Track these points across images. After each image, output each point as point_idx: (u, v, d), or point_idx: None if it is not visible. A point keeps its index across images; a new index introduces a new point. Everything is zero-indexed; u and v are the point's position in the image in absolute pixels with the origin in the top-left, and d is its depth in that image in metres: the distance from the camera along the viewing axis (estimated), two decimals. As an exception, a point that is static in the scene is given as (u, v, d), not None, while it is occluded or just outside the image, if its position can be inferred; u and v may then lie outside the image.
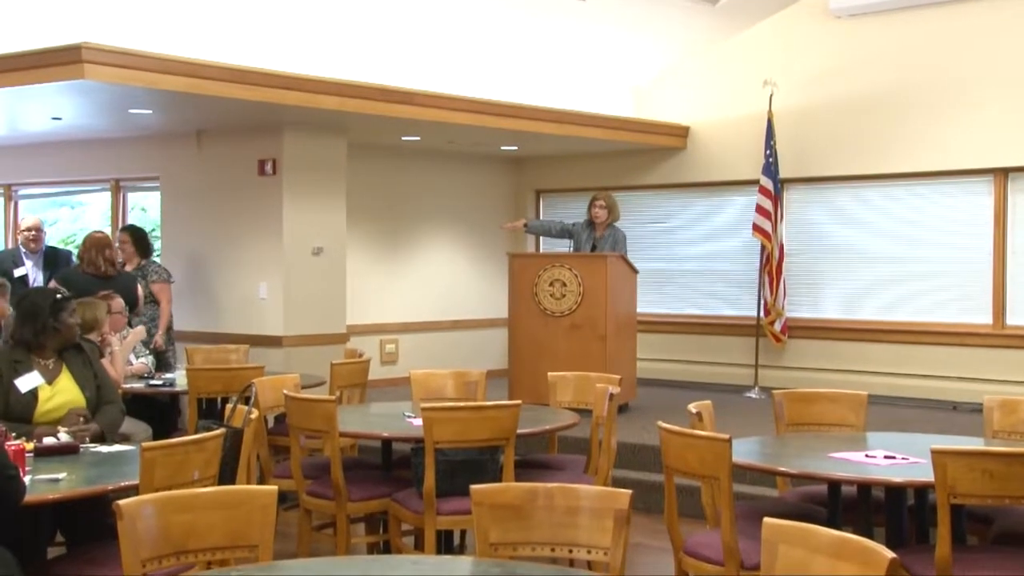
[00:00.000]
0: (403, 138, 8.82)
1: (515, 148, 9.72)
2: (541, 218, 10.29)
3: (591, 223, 7.79)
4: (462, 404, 4.56)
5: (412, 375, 5.69)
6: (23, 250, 7.75)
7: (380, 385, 8.93)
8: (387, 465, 4.95)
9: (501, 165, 10.53)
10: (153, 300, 7.39)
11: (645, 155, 9.72)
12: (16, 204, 9.78)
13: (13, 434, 3.62)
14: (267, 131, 7.85)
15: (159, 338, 7.30)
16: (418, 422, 4.47)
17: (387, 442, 4.86)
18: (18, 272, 7.60)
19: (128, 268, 7.45)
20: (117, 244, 7.58)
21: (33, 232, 7.70)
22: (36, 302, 4.16)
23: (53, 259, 7.76)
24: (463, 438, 4.20)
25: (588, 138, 8.88)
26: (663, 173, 9.73)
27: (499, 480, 4.24)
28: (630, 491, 2.70)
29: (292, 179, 7.87)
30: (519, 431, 4.30)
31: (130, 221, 9.24)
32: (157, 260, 7.72)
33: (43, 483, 3.28)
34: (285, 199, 7.85)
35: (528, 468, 4.87)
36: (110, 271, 6.84)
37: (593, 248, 7.75)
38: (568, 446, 6.31)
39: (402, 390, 8.04)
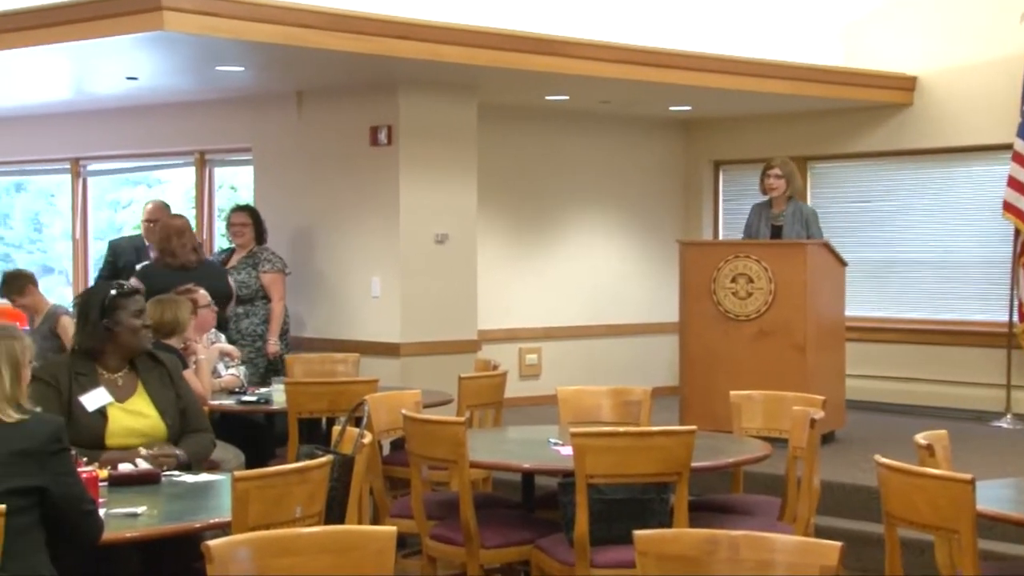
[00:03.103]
0: (547, 98, 8.85)
1: (687, 109, 9.62)
2: (722, 201, 10.17)
3: (768, 203, 7.66)
4: (622, 429, 4.55)
5: (559, 392, 5.72)
6: (148, 242, 8.13)
7: (519, 404, 8.98)
8: (529, 504, 4.98)
9: (670, 130, 10.44)
10: (264, 295, 7.63)
11: (858, 115, 9.48)
12: (85, 182, 10.27)
13: (84, 459, 3.79)
14: (380, 91, 8.01)
15: (272, 343, 7.52)
16: (567, 451, 4.48)
17: (528, 475, 4.89)
18: (140, 266, 7.96)
19: (238, 255, 7.72)
20: (231, 226, 7.82)
21: (151, 223, 8.04)
22: (87, 299, 4.32)
23: None
24: (623, 472, 4.20)
25: (782, 94, 8.71)
26: (882, 137, 9.46)
27: (668, 525, 4.23)
28: (839, 544, 2.65)
29: (411, 150, 8.01)
30: (694, 464, 4.28)
31: (217, 200, 9.58)
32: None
33: (119, 518, 3.43)
34: (402, 174, 7.99)
35: (705, 511, 4.83)
36: (192, 261, 7.10)
37: (774, 233, 7.60)
38: (756, 485, 6.22)
39: (546, 411, 8.05)
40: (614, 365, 9.83)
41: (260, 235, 7.79)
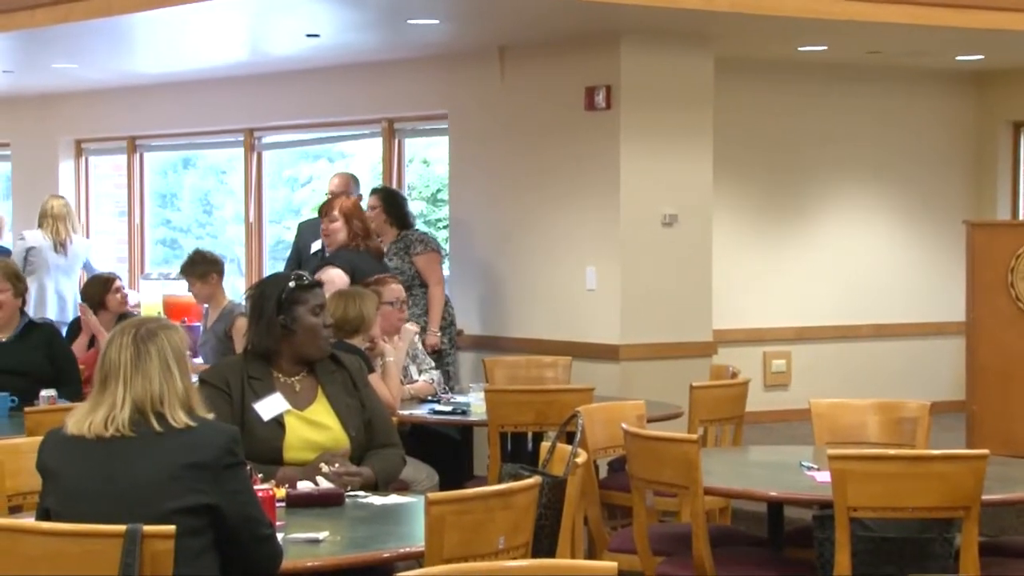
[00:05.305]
0: (800, 49, 8.72)
1: (979, 58, 9.34)
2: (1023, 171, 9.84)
3: None
4: (893, 452, 4.47)
5: (813, 406, 5.66)
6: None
7: (764, 419, 8.90)
8: (776, 540, 4.94)
9: (955, 85, 10.15)
10: (420, 282, 7.78)
11: None
12: (259, 156, 10.65)
13: (260, 476, 3.93)
14: (598, 45, 8.03)
15: (434, 334, 7.67)
16: (824, 477, 4.43)
17: (776, 505, 4.85)
18: (315, 246, 8.28)
19: (385, 242, 7.89)
20: (368, 212, 8.03)
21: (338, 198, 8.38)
22: (262, 292, 4.46)
23: None
24: (895, 504, 4.14)
25: (1100, 36, 8.34)
26: None
27: (952, 571, 4.17)
28: None
29: (634, 115, 8.00)
30: (985, 497, 4.19)
31: (407, 176, 9.79)
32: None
33: (299, 544, 3.55)
34: (623, 144, 7.99)
35: (1000, 556, 4.73)
36: (379, 248, 7.24)
37: None
38: (1065, 526, 6.01)
39: (798, 428, 7.95)
40: (882, 374, 9.64)
41: (401, 219, 7.92)
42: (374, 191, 8.30)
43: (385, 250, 7.83)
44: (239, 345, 7.18)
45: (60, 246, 9.47)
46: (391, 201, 8.03)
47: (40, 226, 9.51)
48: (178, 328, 3.45)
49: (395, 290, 6.47)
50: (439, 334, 7.72)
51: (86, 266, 9.52)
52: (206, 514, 3.21)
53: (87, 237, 10.63)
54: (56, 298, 9.42)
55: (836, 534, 4.14)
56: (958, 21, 7.77)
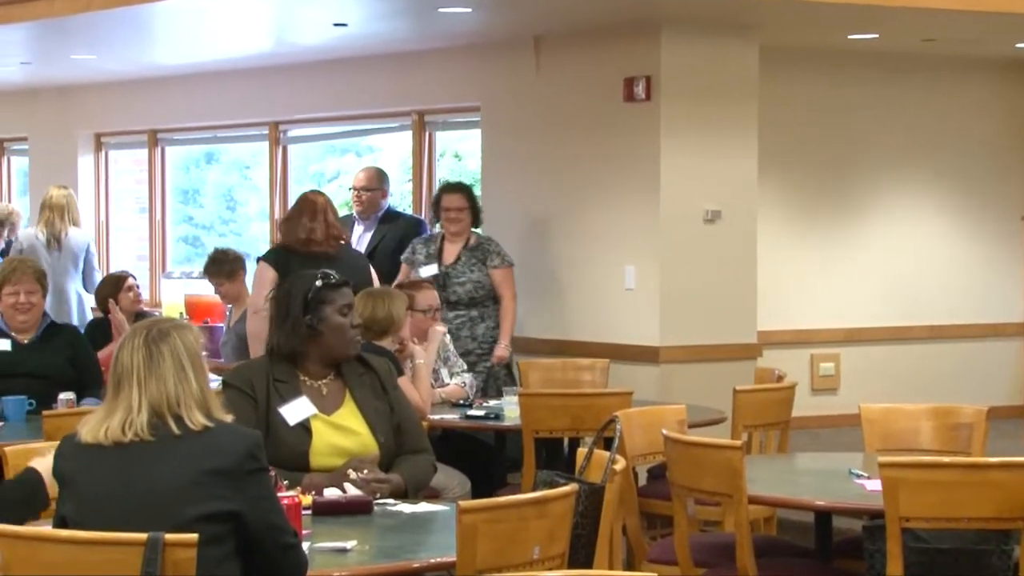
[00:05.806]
0: (850, 37, 8.68)
1: (1038, 45, 9.29)
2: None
3: None
4: (947, 460, 4.46)
5: (863, 411, 5.64)
6: (355, 214, 8.56)
7: (811, 424, 8.89)
8: (824, 551, 4.92)
9: (1014, 74, 10.10)
10: (490, 295, 7.75)
11: None
12: (285, 150, 10.68)
13: (285, 482, 3.94)
14: (638, 34, 8.02)
15: (506, 347, 7.65)
16: (874, 485, 4.42)
17: (824, 515, 4.82)
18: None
19: (454, 247, 7.75)
20: (445, 211, 7.80)
21: (359, 191, 8.43)
22: (288, 291, 4.47)
23: (390, 226, 8.45)
24: (949, 514, 4.12)
25: None
26: None
27: (1010, 585, 4.11)
28: None
29: (675, 107, 7.99)
30: (1046, 508, 4.15)
31: (438, 171, 9.79)
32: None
33: (325, 554, 3.55)
34: (664, 137, 7.98)
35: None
36: (330, 248, 7.05)
37: None
38: None
39: (847, 434, 7.92)
40: (936, 377, 9.60)
41: (477, 219, 7.88)
42: (456, 187, 7.95)
43: (456, 255, 7.71)
44: (251, 340, 7.19)
45: (54, 240, 9.24)
46: (475, 199, 7.91)
47: (38, 219, 9.39)
48: (192, 328, 3.44)
49: (429, 296, 6.48)
50: (510, 347, 7.72)
51: (86, 259, 9.45)
52: (228, 521, 3.21)
53: (92, 231, 10.63)
54: (52, 298, 9.31)
55: (887, 545, 4.12)
56: (1018, 7, 7.71)
